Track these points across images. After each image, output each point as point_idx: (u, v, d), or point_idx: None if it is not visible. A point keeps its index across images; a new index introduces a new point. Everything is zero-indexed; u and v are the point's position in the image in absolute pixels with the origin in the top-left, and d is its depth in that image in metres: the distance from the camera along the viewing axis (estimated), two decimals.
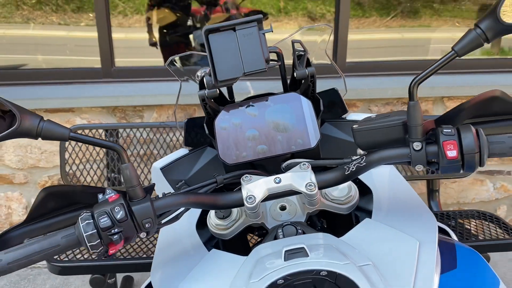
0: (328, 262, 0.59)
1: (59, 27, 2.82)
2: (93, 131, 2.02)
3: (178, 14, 2.88)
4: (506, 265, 2.52)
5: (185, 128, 1.00)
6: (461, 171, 0.68)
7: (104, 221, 0.65)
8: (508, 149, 0.67)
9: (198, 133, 0.99)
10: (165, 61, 1.13)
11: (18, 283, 2.34)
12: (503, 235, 1.89)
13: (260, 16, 0.79)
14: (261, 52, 0.79)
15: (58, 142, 2.18)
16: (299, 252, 0.64)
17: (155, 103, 2.22)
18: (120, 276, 2.10)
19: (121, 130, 2.03)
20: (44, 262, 2.37)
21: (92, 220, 0.66)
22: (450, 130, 0.67)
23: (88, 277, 2.37)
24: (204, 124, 0.93)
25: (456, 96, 2.34)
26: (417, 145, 0.68)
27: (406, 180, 1.83)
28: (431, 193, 2.22)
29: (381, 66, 2.49)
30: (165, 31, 2.91)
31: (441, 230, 0.94)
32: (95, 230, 0.65)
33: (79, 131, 1.99)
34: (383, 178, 0.92)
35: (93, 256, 1.74)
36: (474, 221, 2.03)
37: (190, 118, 1.00)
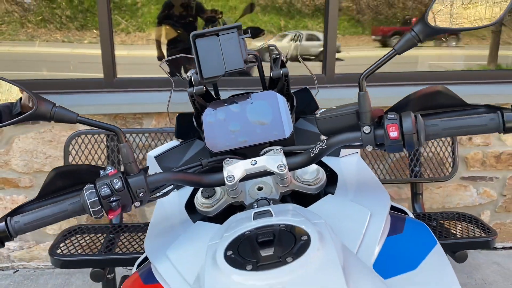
0: (287, 219, 0.71)
1: (63, 44, 2.98)
2: (95, 136, 2.16)
3: (179, 31, 3.04)
4: (490, 267, 2.62)
5: (177, 122, 1.13)
6: (404, 150, 0.80)
7: (105, 191, 0.78)
8: (441, 131, 0.80)
9: (188, 127, 1.13)
10: (171, 74, 1.26)
11: (22, 282, 2.45)
12: (480, 233, 2.01)
13: (240, 24, 0.93)
14: (240, 54, 0.93)
15: (62, 147, 2.32)
16: (265, 213, 0.76)
17: (154, 111, 2.36)
18: (118, 275, 2.21)
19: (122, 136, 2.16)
20: (47, 263, 2.48)
21: (94, 190, 0.78)
22: (393, 116, 0.80)
23: (88, 277, 2.48)
24: (193, 118, 1.06)
25: None
26: (366, 129, 0.81)
27: (391, 183, 1.97)
28: (415, 196, 2.34)
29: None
30: (171, 46, 3.07)
31: (402, 212, 1.06)
32: (97, 198, 0.78)
33: (83, 136, 2.13)
34: (350, 166, 1.05)
35: (93, 250, 1.86)
36: (454, 222, 2.14)
37: (181, 113, 1.13)
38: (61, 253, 1.82)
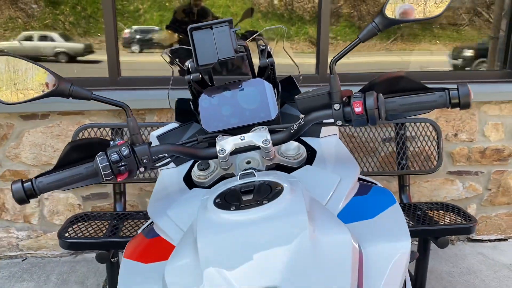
0: (266, 177, 0.85)
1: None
2: (101, 129, 2.30)
3: (181, 36, 3.18)
4: (475, 257, 2.75)
5: (176, 107, 1.27)
6: (368, 123, 0.94)
7: (114, 157, 0.92)
8: (398, 106, 0.94)
9: (186, 111, 1.27)
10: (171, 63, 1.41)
11: (30, 269, 2.58)
12: (461, 221, 2.14)
13: (231, 18, 1.07)
14: (231, 44, 1.07)
15: (69, 141, 2.46)
16: (250, 174, 0.90)
17: (155, 107, 2.50)
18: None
19: (125, 129, 2.31)
20: (54, 251, 2.62)
21: (105, 157, 0.92)
22: (358, 94, 0.94)
23: (92, 264, 2.62)
24: (190, 103, 1.20)
25: None
26: (336, 106, 0.95)
27: (380, 175, 2.13)
28: (402, 187, 2.47)
29: (357, 77, 2.78)
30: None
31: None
32: (108, 163, 0.92)
33: (89, 129, 2.28)
34: (329, 144, 1.19)
35: (99, 235, 1.99)
36: (438, 211, 2.28)
37: (180, 98, 1.27)
38: (69, 236, 1.95)
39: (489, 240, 2.95)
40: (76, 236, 1.96)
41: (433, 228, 2.08)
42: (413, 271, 2.41)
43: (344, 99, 0.96)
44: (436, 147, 2.48)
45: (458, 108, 0.93)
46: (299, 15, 3.17)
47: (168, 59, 1.25)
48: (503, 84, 2.78)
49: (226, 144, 1.03)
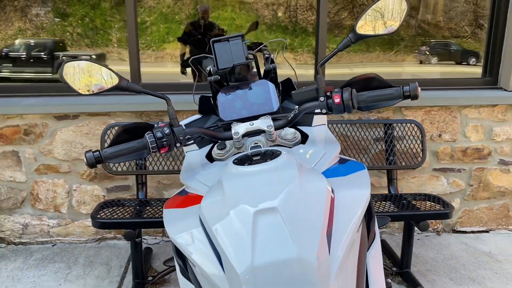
0: (270, 146, 1.18)
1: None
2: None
3: (189, 47, 3.52)
4: (458, 246, 3.05)
5: (199, 102, 1.60)
6: (344, 111, 1.26)
7: (159, 135, 1.25)
8: (366, 98, 1.26)
9: (207, 105, 1.60)
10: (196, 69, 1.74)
11: (59, 253, 2.90)
12: (439, 208, 2.45)
13: (242, 33, 1.41)
14: (243, 53, 1.41)
15: (96, 139, 2.81)
16: (257, 147, 1.23)
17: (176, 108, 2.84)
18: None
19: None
20: (80, 237, 2.95)
21: (152, 135, 1.25)
22: (338, 90, 1.26)
23: (114, 249, 2.95)
24: (211, 99, 1.54)
25: (408, 106, 2.95)
26: (321, 99, 1.28)
27: (371, 169, 2.48)
28: (390, 181, 2.79)
29: None
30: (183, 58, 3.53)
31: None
32: (154, 139, 1.25)
33: (116, 127, 2.62)
34: (319, 131, 1.52)
35: (126, 216, 2.32)
36: (421, 201, 2.59)
37: (202, 96, 1.60)
38: (100, 218, 2.28)
39: (472, 232, 3.25)
40: (106, 217, 2.29)
41: (415, 213, 2.39)
42: (399, 254, 2.72)
43: (327, 93, 1.29)
44: (420, 145, 2.80)
45: (410, 99, 1.25)
46: (302, 27, 3.48)
47: (192, 67, 1.58)
48: (482, 91, 3.10)
49: (239, 128, 1.36)
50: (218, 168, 1.31)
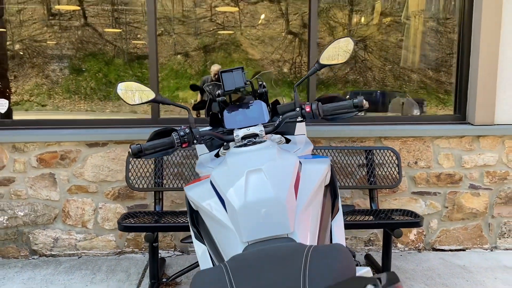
0: (259, 138, 1.68)
1: (86, 113, 3.67)
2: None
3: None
4: (436, 261, 3.43)
5: (210, 118, 2.12)
6: (313, 118, 1.76)
7: (181, 134, 1.75)
8: (328, 108, 1.76)
9: (215, 119, 2.11)
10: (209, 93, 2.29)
11: (84, 263, 3.33)
12: (410, 218, 2.88)
13: (242, 66, 1.95)
14: (242, 80, 1.94)
15: (121, 163, 3.32)
16: (251, 139, 1.73)
17: None
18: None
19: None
20: (103, 251, 3.37)
21: (177, 134, 1.76)
22: (309, 103, 1.77)
23: (133, 260, 3.36)
24: (218, 114, 2.05)
25: (387, 136, 3.45)
26: (297, 109, 1.78)
27: (356, 189, 2.99)
28: (372, 198, 3.24)
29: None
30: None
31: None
32: (178, 137, 1.75)
33: None
34: (299, 138, 2.01)
35: (147, 221, 2.78)
36: (397, 214, 3.02)
37: (212, 112, 2.12)
38: (125, 223, 2.74)
39: (450, 250, 3.64)
40: (129, 223, 2.75)
41: (389, 222, 2.82)
42: (380, 262, 3.12)
43: (301, 105, 1.80)
44: (397, 169, 3.27)
45: (356, 110, 1.75)
46: (306, 82, 4.05)
47: (207, 90, 2.11)
48: (452, 125, 3.60)
49: (239, 132, 1.86)
50: (223, 158, 1.81)
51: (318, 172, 1.53)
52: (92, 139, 3.33)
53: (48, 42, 3.61)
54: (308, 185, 1.48)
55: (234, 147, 1.65)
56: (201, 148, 2.06)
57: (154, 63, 3.45)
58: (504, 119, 3.58)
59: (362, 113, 3.71)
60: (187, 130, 1.77)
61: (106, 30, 3.63)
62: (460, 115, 3.70)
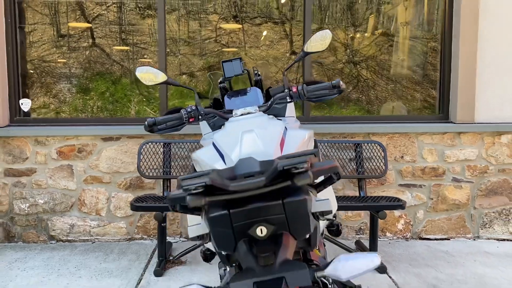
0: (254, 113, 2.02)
1: (101, 112, 4.28)
2: (155, 144, 3.50)
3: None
4: (421, 248, 3.71)
5: (213, 102, 2.46)
6: (299, 98, 2.09)
7: (189, 110, 2.09)
8: (311, 88, 2.09)
9: (217, 103, 2.45)
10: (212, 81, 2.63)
11: (98, 247, 3.64)
12: (393, 202, 3.18)
13: (240, 57, 2.31)
14: (240, 68, 2.30)
15: (133, 156, 3.65)
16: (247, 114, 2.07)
17: (192, 132, 3.70)
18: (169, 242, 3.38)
19: (173, 144, 3.49)
20: (115, 236, 3.68)
21: (185, 110, 2.10)
22: (296, 85, 2.11)
23: (142, 245, 3.67)
24: (220, 99, 2.40)
25: (375, 133, 3.77)
26: (286, 91, 2.12)
27: (347, 178, 3.33)
28: (360, 187, 3.55)
29: (330, 118, 3.97)
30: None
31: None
32: (186, 113, 2.09)
33: (148, 144, 3.47)
34: (290, 119, 2.34)
35: (156, 203, 3.10)
36: (381, 200, 3.32)
37: (215, 97, 2.46)
38: (138, 204, 3.06)
39: (435, 239, 3.92)
40: (141, 203, 3.07)
41: (374, 204, 3.13)
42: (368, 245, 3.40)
43: (290, 87, 2.14)
44: (383, 160, 3.59)
45: (336, 91, 2.08)
46: None
47: (212, 80, 2.46)
48: (435, 124, 3.93)
49: (238, 111, 2.20)
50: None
51: (301, 136, 1.86)
52: (106, 133, 3.68)
53: (57, 62, 3.99)
54: (292, 145, 1.81)
55: (231, 115, 2.00)
56: (205, 129, 2.40)
57: (163, 95, 3.82)
58: (483, 117, 3.90)
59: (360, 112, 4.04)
60: (193, 107, 2.11)
61: (116, 48, 3.96)
62: (443, 114, 4.03)
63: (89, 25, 3.93)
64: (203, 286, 1.20)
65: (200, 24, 4.00)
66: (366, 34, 4.15)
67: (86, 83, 3.94)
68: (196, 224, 1.48)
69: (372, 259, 1.16)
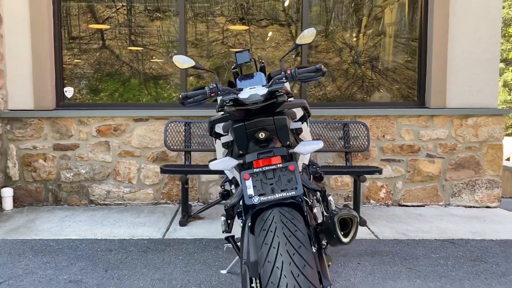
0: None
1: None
2: (179, 123, 4.26)
3: None
4: (400, 212, 4.44)
5: (228, 84, 3.20)
6: (292, 79, 2.83)
7: (211, 87, 2.83)
8: (301, 71, 2.83)
9: (231, 85, 3.19)
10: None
11: (131, 209, 4.40)
12: (372, 169, 3.91)
13: (248, 48, 3.07)
14: (248, 57, 3.06)
15: (159, 133, 4.42)
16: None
17: (207, 115, 4.46)
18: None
19: (192, 124, 4.26)
20: (144, 201, 4.44)
21: (208, 87, 2.85)
22: (290, 69, 2.85)
23: (165, 208, 4.42)
24: (233, 81, 3.15)
25: (361, 115, 4.51)
26: (282, 74, 2.86)
27: (337, 152, 4.19)
28: (347, 159, 4.29)
29: (323, 104, 4.72)
30: None
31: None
32: (209, 89, 2.83)
33: (173, 123, 4.23)
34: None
35: (182, 163, 3.86)
36: (364, 168, 4.06)
37: (229, 80, 3.20)
38: (166, 168, 3.82)
39: (412, 205, 4.64)
40: (168, 167, 3.83)
41: (356, 170, 3.87)
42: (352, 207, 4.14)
43: (285, 71, 2.87)
44: (365, 138, 4.32)
45: (320, 73, 2.81)
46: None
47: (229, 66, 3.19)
48: (413, 108, 4.66)
49: (247, 89, 2.95)
50: None
51: (286, 84, 2.61)
52: (138, 115, 4.45)
53: (93, 56, 4.77)
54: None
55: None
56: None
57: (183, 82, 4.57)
58: (453, 103, 4.62)
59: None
60: (214, 85, 2.86)
61: (130, 48, 4.73)
62: (421, 101, 4.76)
63: (105, 27, 4.71)
64: (234, 159, 1.97)
65: (207, 26, 4.77)
66: (360, 34, 4.89)
67: (95, 84, 4.72)
68: (219, 159, 2.23)
69: (318, 143, 1.94)
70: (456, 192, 4.65)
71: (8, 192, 4.31)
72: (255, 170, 1.88)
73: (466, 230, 3.81)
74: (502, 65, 20.17)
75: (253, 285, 1.75)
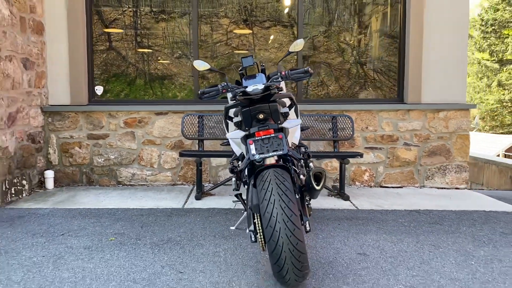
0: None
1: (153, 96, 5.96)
2: (193, 116, 5.08)
3: None
4: (381, 193, 5.24)
5: (235, 83, 4.00)
6: (286, 78, 3.62)
7: (223, 84, 3.64)
8: (293, 72, 3.62)
9: (238, 83, 3.99)
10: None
11: (152, 189, 5.22)
12: (354, 153, 4.71)
13: (252, 54, 3.88)
14: (252, 61, 3.87)
15: (177, 125, 5.25)
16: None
17: (217, 109, 5.27)
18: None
19: (205, 116, 5.07)
20: (164, 182, 5.27)
21: (221, 85, 3.65)
22: (284, 70, 3.65)
23: (180, 190, 5.24)
24: (240, 80, 3.95)
25: (347, 110, 5.31)
26: (278, 74, 3.66)
27: (327, 140, 5.11)
28: (335, 146, 5.10)
29: (315, 100, 5.52)
30: None
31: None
32: (221, 86, 3.64)
33: (188, 117, 5.06)
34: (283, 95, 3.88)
35: (197, 149, 4.68)
36: (348, 153, 4.85)
37: (236, 80, 4.00)
38: (183, 152, 4.63)
39: (392, 187, 5.44)
40: (186, 152, 4.64)
41: (340, 154, 4.67)
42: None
43: (280, 72, 3.66)
44: (351, 128, 5.12)
45: (308, 74, 3.59)
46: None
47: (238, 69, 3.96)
48: (392, 104, 5.45)
49: (251, 87, 3.75)
50: None
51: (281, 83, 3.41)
52: (158, 109, 5.27)
53: (120, 58, 5.59)
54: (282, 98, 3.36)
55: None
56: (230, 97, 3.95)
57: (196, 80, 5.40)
58: (427, 99, 5.41)
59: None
60: (225, 83, 3.66)
61: (139, 50, 5.55)
62: (399, 97, 5.55)
63: (120, 30, 5.53)
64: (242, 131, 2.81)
65: (211, 28, 5.58)
66: (352, 37, 5.68)
67: (102, 84, 5.54)
68: (232, 132, 3.04)
69: (298, 121, 2.81)
70: (430, 175, 5.44)
71: (50, 174, 5.14)
72: (256, 138, 2.69)
73: (433, 204, 4.60)
74: (497, 65, 20.91)
75: (255, 220, 2.58)
